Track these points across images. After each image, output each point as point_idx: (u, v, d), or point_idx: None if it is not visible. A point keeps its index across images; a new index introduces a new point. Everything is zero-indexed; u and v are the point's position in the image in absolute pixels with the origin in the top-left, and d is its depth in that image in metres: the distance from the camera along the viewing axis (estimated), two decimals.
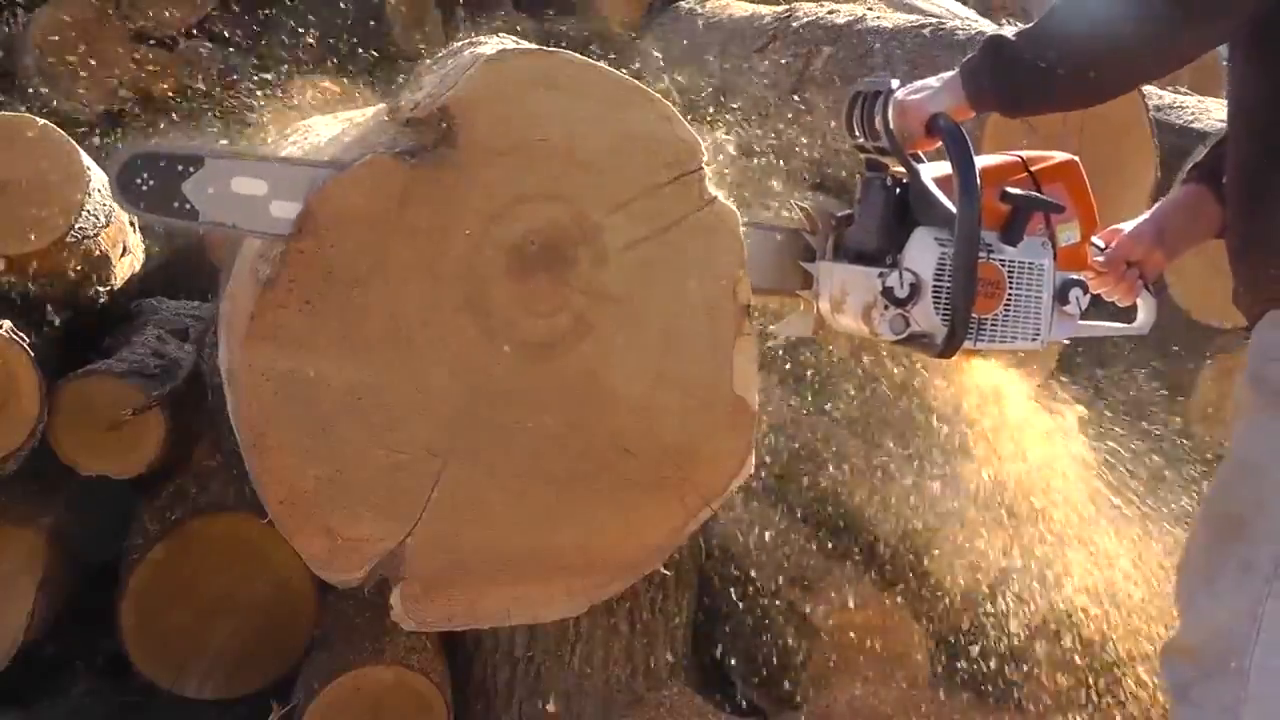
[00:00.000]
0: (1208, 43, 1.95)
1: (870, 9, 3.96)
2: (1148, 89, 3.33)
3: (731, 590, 3.09)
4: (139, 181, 2.01)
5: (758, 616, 3.05)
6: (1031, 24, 1.96)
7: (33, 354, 2.83)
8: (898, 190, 2.11)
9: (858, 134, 2.13)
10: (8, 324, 2.83)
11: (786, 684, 2.99)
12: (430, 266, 2.07)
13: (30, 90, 4.41)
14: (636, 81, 2.19)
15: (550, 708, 2.80)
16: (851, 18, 3.74)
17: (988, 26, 3.55)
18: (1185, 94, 3.72)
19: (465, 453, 2.12)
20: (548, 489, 2.17)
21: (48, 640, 3.14)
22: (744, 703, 3.09)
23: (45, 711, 3.11)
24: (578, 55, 2.15)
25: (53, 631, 3.15)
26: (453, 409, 2.10)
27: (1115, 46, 1.88)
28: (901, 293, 2.05)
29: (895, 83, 2.09)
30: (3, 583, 2.97)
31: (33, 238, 2.89)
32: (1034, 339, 2.13)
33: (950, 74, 2.05)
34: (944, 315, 2.05)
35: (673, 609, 2.98)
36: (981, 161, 2.08)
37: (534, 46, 2.19)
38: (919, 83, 2.09)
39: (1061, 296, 2.14)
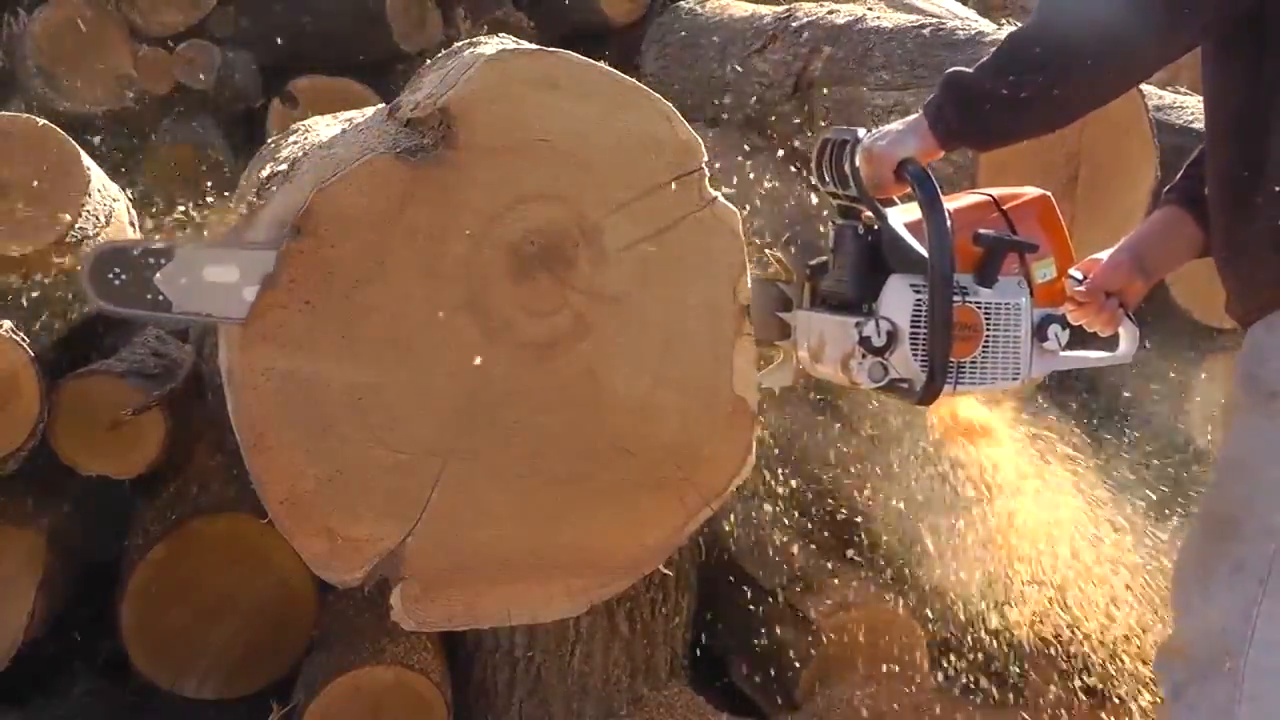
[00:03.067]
0: (1171, 53, 1.94)
1: (870, 9, 3.96)
2: (1148, 89, 3.33)
3: (731, 590, 3.09)
4: (111, 277, 2.01)
5: (758, 616, 3.06)
6: (987, 55, 1.96)
7: (33, 354, 2.84)
8: (870, 238, 2.11)
9: (828, 181, 2.13)
10: (8, 324, 2.84)
11: (786, 684, 2.99)
12: (430, 266, 2.07)
13: (30, 90, 4.41)
14: (636, 82, 2.20)
15: None
16: (851, 18, 3.74)
17: (988, 26, 3.55)
18: (1185, 94, 3.72)
19: (465, 453, 2.12)
20: (548, 489, 2.17)
21: (48, 640, 3.14)
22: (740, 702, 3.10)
23: (45, 711, 3.12)
24: (578, 55, 2.15)
25: (53, 631, 3.15)
26: (453, 409, 2.11)
27: (1077, 64, 1.88)
28: (879, 341, 2.05)
29: (861, 132, 2.09)
30: (3, 583, 2.97)
31: (33, 238, 2.89)
32: (1014, 378, 2.13)
33: (914, 117, 2.04)
34: (922, 361, 2.05)
35: (673, 609, 2.98)
36: (953, 204, 2.08)
37: (534, 46, 2.19)
38: (885, 128, 2.08)
39: (1040, 333, 2.14)
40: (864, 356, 2.06)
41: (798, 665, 2.97)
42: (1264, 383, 1.91)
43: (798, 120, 3.76)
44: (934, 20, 3.56)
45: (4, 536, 3.00)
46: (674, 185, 2.17)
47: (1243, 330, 2.00)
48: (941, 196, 2.02)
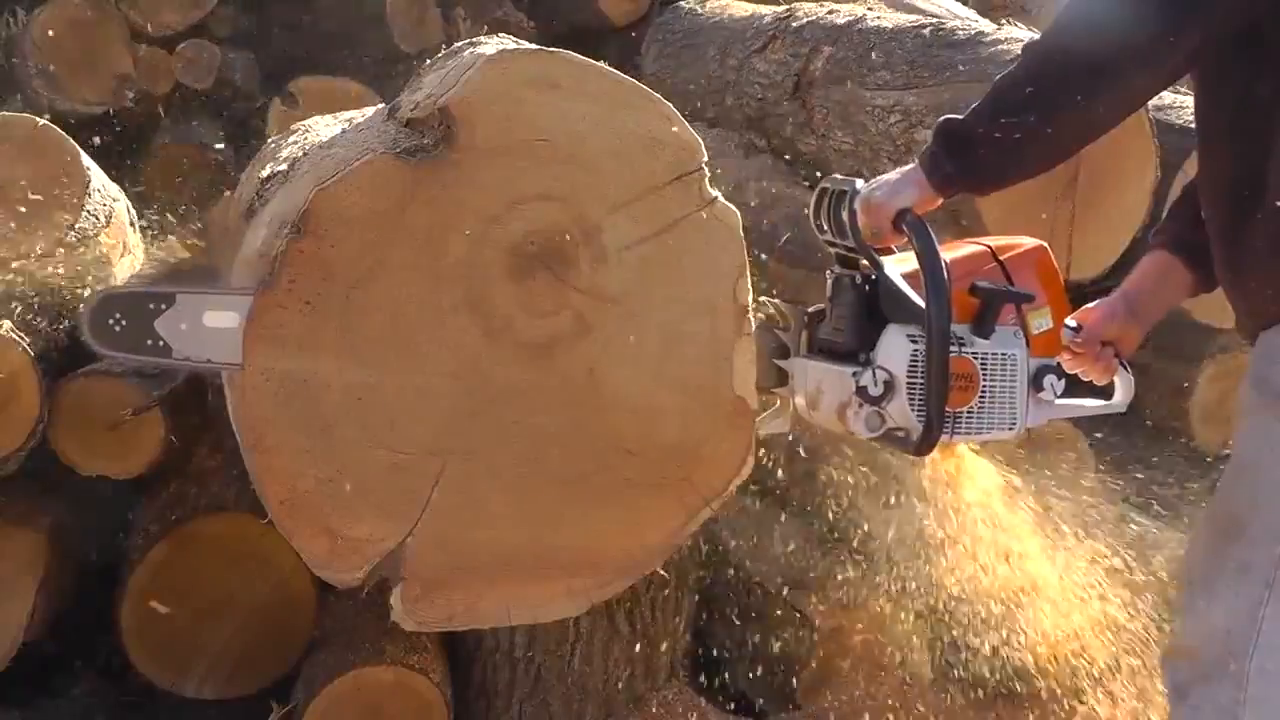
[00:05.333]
0: (1160, 83, 1.96)
1: (870, 9, 3.96)
2: None
3: (731, 590, 3.09)
4: (111, 322, 2.02)
5: (758, 616, 3.05)
6: (978, 101, 1.97)
7: (33, 354, 2.83)
8: (868, 288, 2.11)
9: (826, 229, 2.14)
10: (8, 324, 2.83)
11: (786, 684, 2.99)
12: (430, 266, 2.07)
13: (30, 90, 4.41)
14: (636, 81, 2.19)
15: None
16: (851, 18, 3.74)
17: (987, 26, 3.55)
18: (1185, 94, 3.72)
19: (465, 453, 2.12)
20: (548, 489, 2.17)
21: (48, 640, 3.14)
22: (740, 701, 3.10)
23: (45, 711, 3.11)
24: (578, 55, 2.15)
25: (53, 631, 3.15)
26: (453, 409, 2.10)
27: (1067, 101, 1.89)
28: (875, 391, 2.06)
29: (860, 182, 2.10)
30: (3, 583, 2.97)
31: (33, 238, 2.89)
32: (1010, 428, 2.14)
33: (909, 167, 2.05)
34: (919, 412, 2.06)
35: (673, 609, 2.98)
36: (950, 254, 2.09)
37: (534, 47, 2.19)
38: (882, 178, 2.09)
39: (1036, 383, 2.15)
40: (861, 406, 2.07)
41: (798, 665, 2.97)
42: (1273, 384, 1.91)
43: (798, 120, 3.76)
44: (934, 20, 3.57)
45: (4, 536, 2.99)
46: (674, 185, 2.17)
47: (1252, 342, 2.01)
48: (938, 247, 2.03)
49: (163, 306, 2.03)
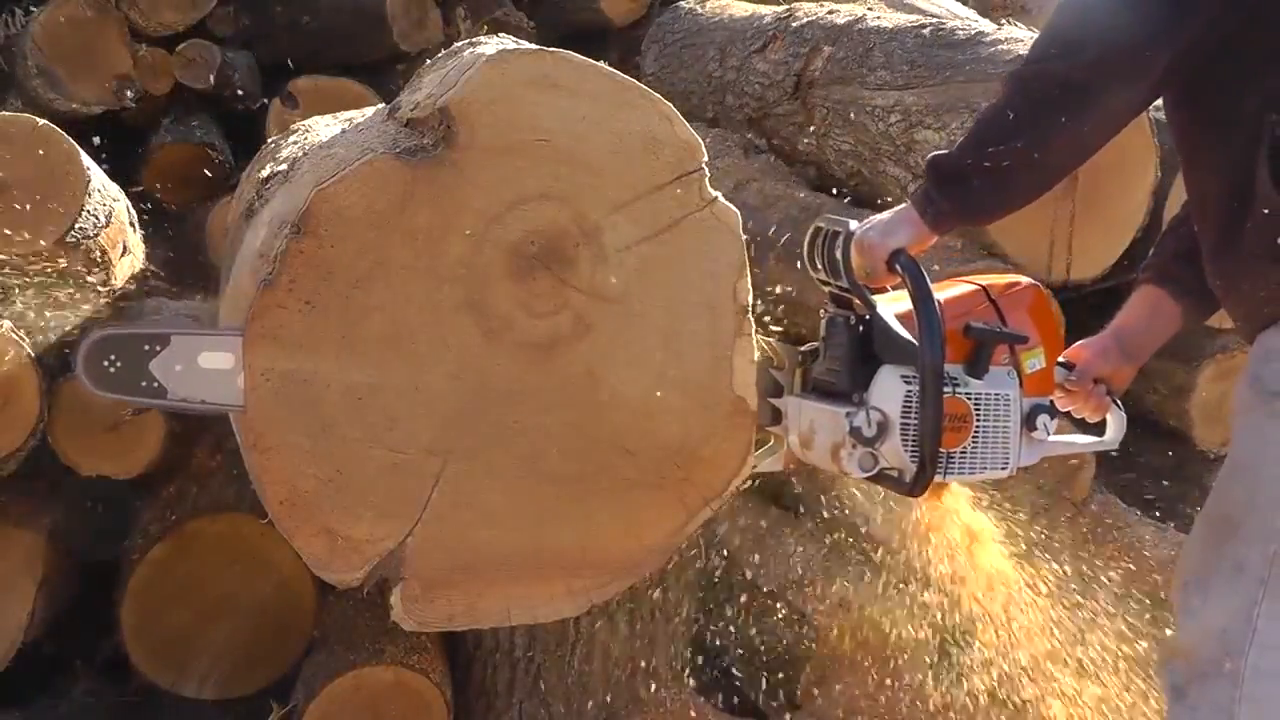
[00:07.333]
0: (1141, 100, 1.97)
1: (870, 9, 3.96)
2: None
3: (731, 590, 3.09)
4: (106, 364, 2.00)
5: (758, 616, 3.06)
6: (964, 134, 1.97)
7: (33, 354, 2.84)
8: (861, 328, 2.12)
9: (819, 269, 2.14)
10: (8, 324, 2.83)
11: (786, 684, 2.99)
12: (430, 266, 2.07)
13: (30, 90, 4.41)
14: (636, 82, 2.20)
15: None
16: (851, 18, 3.74)
17: (988, 26, 3.55)
18: None
19: (465, 453, 2.12)
20: (548, 489, 2.17)
21: (48, 640, 3.14)
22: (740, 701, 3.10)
23: (45, 711, 3.12)
24: (578, 55, 2.15)
25: (53, 631, 3.15)
26: (453, 409, 2.10)
27: (1052, 124, 1.89)
28: (869, 431, 2.06)
29: (853, 223, 2.10)
30: (3, 583, 2.97)
31: (33, 238, 2.89)
32: (1003, 467, 2.15)
33: (903, 206, 2.06)
34: (913, 452, 2.06)
35: (673, 609, 2.98)
36: (943, 293, 2.10)
37: (534, 47, 2.19)
38: (875, 218, 2.10)
39: (1029, 423, 2.16)
40: (854, 446, 2.07)
41: (798, 665, 2.97)
42: (1268, 383, 1.92)
43: (798, 120, 3.76)
44: (934, 20, 3.57)
45: (4, 536, 3.00)
46: (674, 185, 2.17)
47: (1250, 343, 2.01)
48: (932, 288, 2.04)
49: (157, 348, 2.01)
